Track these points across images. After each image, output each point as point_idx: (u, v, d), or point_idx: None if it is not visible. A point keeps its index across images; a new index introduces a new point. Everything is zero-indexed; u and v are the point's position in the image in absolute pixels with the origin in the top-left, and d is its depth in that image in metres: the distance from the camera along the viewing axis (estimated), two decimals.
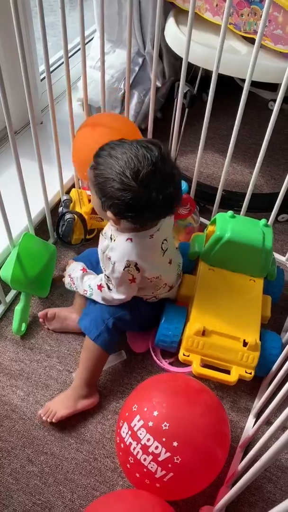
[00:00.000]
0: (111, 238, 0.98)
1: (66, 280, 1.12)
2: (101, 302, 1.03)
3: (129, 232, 0.94)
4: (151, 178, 0.83)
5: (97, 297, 1.04)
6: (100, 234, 1.06)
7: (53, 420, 1.00)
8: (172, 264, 1.04)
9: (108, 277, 0.98)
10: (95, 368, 1.03)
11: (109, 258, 0.96)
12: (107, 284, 1.00)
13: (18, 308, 1.15)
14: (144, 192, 0.83)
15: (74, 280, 1.09)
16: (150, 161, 0.83)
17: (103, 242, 1.03)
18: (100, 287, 1.02)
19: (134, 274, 0.96)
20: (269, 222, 1.15)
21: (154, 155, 0.84)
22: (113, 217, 0.88)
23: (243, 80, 1.02)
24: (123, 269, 0.94)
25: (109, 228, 1.00)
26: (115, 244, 0.95)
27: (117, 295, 1.00)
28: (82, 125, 1.19)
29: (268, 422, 0.97)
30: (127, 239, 0.94)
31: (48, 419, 1.00)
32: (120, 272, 0.94)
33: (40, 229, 1.32)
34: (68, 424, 1.02)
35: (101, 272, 1.08)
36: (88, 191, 1.40)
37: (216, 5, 1.27)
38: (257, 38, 0.95)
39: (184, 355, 1.03)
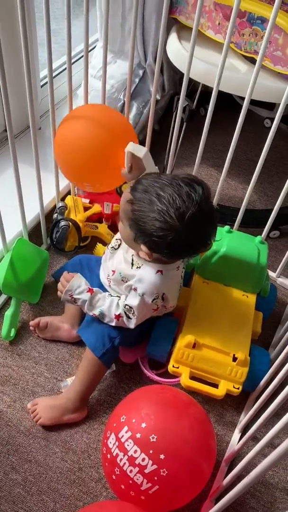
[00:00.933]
0: (132, 264, 0.97)
1: (64, 297, 0.98)
2: (110, 324, 0.99)
3: (158, 264, 0.94)
4: (196, 219, 0.82)
5: (108, 320, 0.99)
6: (107, 248, 1.05)
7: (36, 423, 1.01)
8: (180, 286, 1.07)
9: (130, 307, 0.96)
10: (93, 382, 1.03)
11: (135, 289, 0.95)
12: (127, 313, 0.97)
13: (8, 313, 1.15)
14: (188, 232, 0.83)
15: (79, 302, 0.98)
16: (195, 201, 0.82)
17: (118, 262, 0.99)
18: (118, 316, 0.97)
19: (159, 304, 0.97)
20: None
21: (198, 195, 0.83)
22: (147, 251, 0.88)
23: (241, 97, 1.04)
24: (152, 301, 0.94)
25: (127, 252, 0.98)
26: (144, 276, 0.94)
27: (135, 323, 0.97)
28: (63, 119, 1.12)
29: (254, 438, 0.97)
30: (157, 271, 0.94)
31: (32, 418, 1.01)
32: (147, 305, 0.95)
33: (33, 234, 1.32)
34: (53, 432, 1.02)
35: (98, 280, 1.07)
36: (84, 198, 1.41)
37: (219, 24, 1.29)
38: (258, 59, 0.97)
39: (173, 366, 1.03)
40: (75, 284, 0.97)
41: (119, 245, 1.03)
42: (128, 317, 0.97)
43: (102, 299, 0.98)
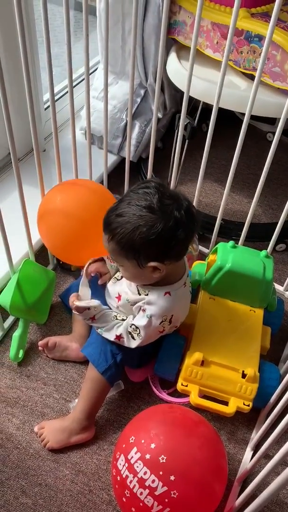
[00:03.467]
0: (139, 293, 0.97)
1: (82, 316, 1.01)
2: (110, 340, 0.99)
3: (164, 286, 0.94)
4: (163, 202, 0.85)
5: (107, 336, 0.99)
6: (114, 278, 1.06)
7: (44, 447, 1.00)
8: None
9: (136, 327, 0.96)
10: (98, 400, 1.02)
11: (144, 310, 0.95)
12: (131, 333, 0.97)
13: (16, 334, 1.15)
14: (167, 216, 0.85)
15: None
16: (152, 193, 0.86)
17: (124, 291, 1.00)
18: (119, 337, 0.97)
19: (166, 326, 0.97)
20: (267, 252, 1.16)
21: (152, 186, 0.87)
22: (157, 264, 0.88)
23: (243, 114, 1.05)
24: (159, 324, 0.95)
25: (131, 284, 0.98)
26: (153, 299, 0.94)
27: (137, 344, 0.97)
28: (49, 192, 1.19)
29: (266, 456, 0.95)
30: (165, 294, 0.94)
31: (39, 442, 1.01)
32: (155, 326, 0.95)
33: (39, 255, 1.33)
34: (63, 454, 1.01)
35: (104, 299, 1.07)
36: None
37: (217, 42, 1.31)
38: (256, 75, 0.98)
39: (182, 384, 1.02)
40: (79, 317, 1.02)
41: (122, 276, 1.02)
42: (132, 337, 0.97)
43: (104, 322, 0.99)
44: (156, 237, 0.85)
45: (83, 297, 1.02)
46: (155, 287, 0.95)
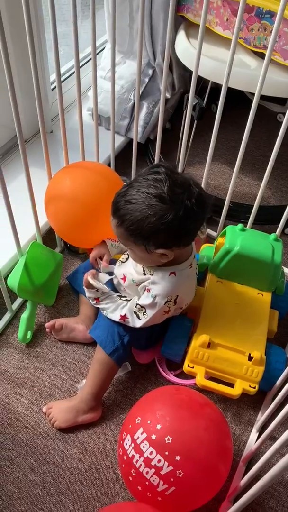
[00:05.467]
0: (144, 273, 0.97)
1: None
2: (116, 321, 1.01)
3: (169, 266, 0.94)
4: (174, 192, 0.84)
5: (112, 316, 1.01)
6: (119, 261, 1.07)
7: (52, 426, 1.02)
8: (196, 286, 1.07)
9: (142, 306, 0.97)
10: (105, 381, 1.03)
11: (148, 290, 0.95)
12: (137, 313, 0.98)
13: (24, 316, 1.16)
14: (178, 206, 0.84)
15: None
16: (163, 180, 0.84)
17: (129, 271, 1.01)
18: (124, 317, 0.99)
19: (171, 307, 0.97)
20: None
21: (163, 173, 0.85)
22: (165, 251, 0.88)
23: (252, 93, 1.03)
24: (164, 303, 0.95)
25: (137, 265, 0.99)
26: (158, 279, 0.94)
27: (142, 324, 0.98)
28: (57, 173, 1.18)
29: (272, 437, 0.96)
30: (170, 274, 0.94)
31: (47, 422, 1.03)
32: (160, 306, 0.95)
33: (47, 237, 1.33)
34: (71, 433, 1.03)
35: (110, 282, 1.08)
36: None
37: (227, 20, 1.28)
38: (267, 54, 0.95)
39: (188, 366, 1.03)
40: (87, 295, 1.03)
41: (126, 259, 1.04)
42: (138, 317, 0.98)
43: (109, 302, 1.01)
44: (166, 227, 0.84)
45: (99, 279, 1.03)
46: (160, 267, 0.95)
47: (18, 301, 1.23)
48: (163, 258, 0.90)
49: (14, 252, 1.16)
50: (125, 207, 0.86)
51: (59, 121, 1.12)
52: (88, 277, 1.01)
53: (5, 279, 1.13)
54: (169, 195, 0.83)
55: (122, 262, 1.05)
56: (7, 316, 1.20)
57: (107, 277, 1.05)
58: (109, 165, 1.33)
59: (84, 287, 1.03)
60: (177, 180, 0.85)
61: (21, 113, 0.94)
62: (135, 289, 1.01)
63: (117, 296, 1.02)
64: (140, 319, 0.98)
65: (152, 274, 0.95)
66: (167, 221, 0.83)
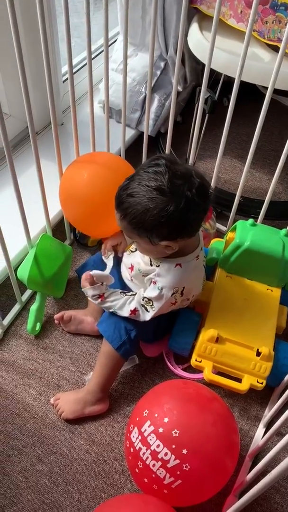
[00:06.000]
0: (151, 264, 0.98)
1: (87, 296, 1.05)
2: (124, 316, 1.01)
3: (175, 258, 0.94)
4: (174, 183, 0.84)
5: (122, 313, 1.01)
6: (129, 250, 1.07)
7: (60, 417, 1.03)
8: (204, 278, 1.06)
9: (149, 299, 0.97)
10: (112, 374, 1.04)
11: (154, 282, 0.96)
12: (144, 306, 0.98)
13: (33, 307, 1.17)
14: (178, 198, 0.84)
15: (96, 304, 1.04)
16: (163, 172, 0.84)
17: (137, 261, 1.02)
18: (134, 311, 0.99)
19: (178, 298, 0.97)
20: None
21: (163, 165, 0.85)
22: (169, 242, 0.88)
23: (265, 87, 1.02)
24: (171, 295, 0.95)
25: (144, 256, 0.99)
26: (163, 270, 0.95)
27: (151, 316, 0.98)
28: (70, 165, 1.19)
29: (279, 433, 0.96)
30: (176, 265, 0.94)
31: (55, 413, 1.03)
32: (167, 298, 0.95)
33: (57, 230, 1.33)
34: (78, 425, 1.03)
35: (118, 275, 1.08)
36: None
37: (241, 12, 1.26)
38: (281, 47, 0.94)
39: (196, 360, 1.03)
40: (89, 293, 1.01)
41: (136, 249, 1.04)
42: (146, 310, 0.98)
43: (116, 300, 1.00)
44: (167, 219, 0.84)
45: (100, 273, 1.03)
46: (166, 259, 0.95)
47: (28, 292, 1.24)
48: (168, 250, 0.91)
49: (24, 244, 1.16)
50: (126, 200, 0.86)
51: (70, 113, 1.12)
52: (90, 272, 1.00)
53: (15, 270, 1.14)
54: (169, 187, 0.83)
55: (132, 251, 1.06)
56: (16, 308, 1.21)
57: (109, 268, 1.06)
58: None
59: (85, 289, 1.02)
60: (177, 172, 0.85)
61: (32, 105, 0.94)
62: (141, 279, 1.01)
63: (121, 292, 1.02)
64: (148, 312, 0.98)
65: (158, 266, 0.96)
66: (168, 213, 0.84)
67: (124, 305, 1.00)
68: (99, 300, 1.01)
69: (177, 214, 0.84)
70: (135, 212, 0.85)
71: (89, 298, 1.02)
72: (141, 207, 0.84)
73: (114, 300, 1.00)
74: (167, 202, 0.83)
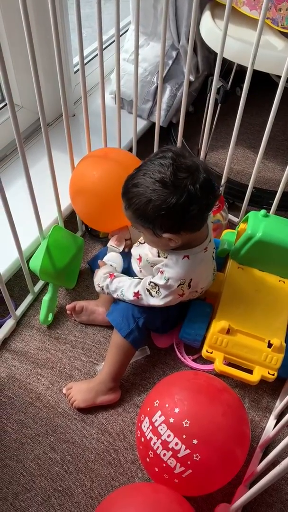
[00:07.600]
0: (158, 255, 0.98)
1: (97, 289, 1.08)
2: (130, 303, 1.03)
3: (183, 250, 0.94)
4: (177, 176, 0.84)
5: (127, 295, 1.02)
6: (138, 242, 1.08)
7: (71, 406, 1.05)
8: (214, 270, 1.07)
9: (155, 284, 0.98)
10: (123, 363, 1.05)
11: (162, 272, 0.96)
12: (150, 291, 0.99)
13: (45, 298, 1.18)
14: (180, 191, 0.84)
15: (105, 289, 1.06)
16: (167, 164, 0.84)
17: (145, 252, 1.03)
18: (137, 294, 1.00)
19: (185, 290, 0.97)
20: None
21: (169, 157, 0.85)
22: (171, 235, 0.88)
23: (278, 76, 1.01)
24: (177, 286, 0.96)
25: (152, 248, 1.00)
26: (171, 262, 0.95)
27: (156, 302, 0.99)
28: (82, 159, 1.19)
29: None
30: (184, 257, 0.94)
31: (67, 402, 1.05)
32: (173, 288, 0.96)
33: (69, 221, 1.34)
34: (90, 414, 1.04)
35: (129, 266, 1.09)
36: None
37: None
38: None
39: (207, 351, 1.03)
40: (100, 273, 1.06)
41: (144, 241, 1.04)
42: (151, 294, 0.99)
43: (122, 281, 1.03)
44: (168, 211, 0.84)
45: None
46: (174, 251, 0.95)
47: (40, 283, 1.25)
48: (172, 243, 0.91)
49: (36, 235, 1.17)
50: (131, 190, 0.87)
51: (82, 104, 1.12)
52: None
53: (28, 261, 1.15)
54: (172, 180, 0.84)
55: (141, 243, 1.07)
56: (29, 298, 1.22)
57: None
58: (131, 149, 1.32)
59: (96, 271, 1.07)
60: (182, 165, 0.85)
61: (44, 96, 0.94)
62: (150, 270, 1.02)
63: (128, 278, 1.04)
64: (153, 297, 0.99)
65: (166, 257, 0.96)
66: (169, 206, 0.84)
67: (129, 287, 1.01)
68: (109, 279, 1.03)
69: (178, 207, 0.84)
70: (139, 203, 0.86)
71: (99, 282, 1.06)
72: (144, 198, 0.85)
73: (121, 281, 1.03)
74: (168, 195, 0.84)
